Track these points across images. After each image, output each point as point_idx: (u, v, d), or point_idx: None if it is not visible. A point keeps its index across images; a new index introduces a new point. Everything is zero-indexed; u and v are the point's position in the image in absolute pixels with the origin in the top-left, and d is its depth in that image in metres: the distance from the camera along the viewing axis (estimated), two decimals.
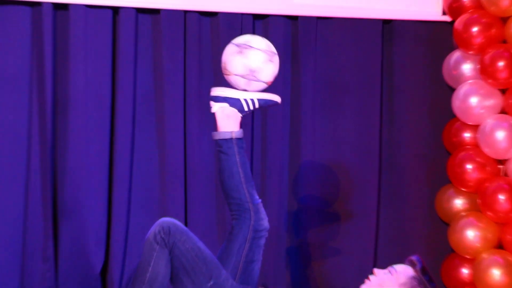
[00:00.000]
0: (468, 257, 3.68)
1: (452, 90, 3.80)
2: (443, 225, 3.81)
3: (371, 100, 3.78)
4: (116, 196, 3.53)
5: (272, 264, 3.62)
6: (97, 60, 3.52)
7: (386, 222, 3.76)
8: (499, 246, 3.64)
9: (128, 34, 3.55)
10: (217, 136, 2.44)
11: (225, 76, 2.44)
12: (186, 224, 3.50)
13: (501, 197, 3.55)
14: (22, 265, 3.46)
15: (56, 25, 3.48)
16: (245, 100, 2.45)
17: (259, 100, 2.45)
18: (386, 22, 3.83)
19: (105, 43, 3.54)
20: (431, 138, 3.84)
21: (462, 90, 3.72)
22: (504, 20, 3.65)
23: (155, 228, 2.44)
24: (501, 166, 3.68)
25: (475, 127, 3.70)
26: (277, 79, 3.41)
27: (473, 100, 3.66)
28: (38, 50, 3.44)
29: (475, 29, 3.64)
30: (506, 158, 3.64)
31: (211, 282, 2.48)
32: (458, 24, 3.72)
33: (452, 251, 3.76)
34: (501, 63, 3.57)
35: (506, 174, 3.66)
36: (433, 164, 3.84)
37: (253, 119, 3.68)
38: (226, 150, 2.42)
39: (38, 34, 3.44)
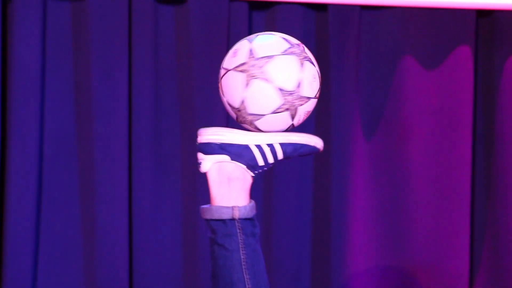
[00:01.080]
0: None
1: None
2: None
3: (457, 151, 2.53)
4: None
5: None
6: None
7: None
8: None
9: (28, 31, 2.35)
10: (208, 213, 1.60)
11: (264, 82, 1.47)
12: None
13: None
14: None
15: None
16: (259, 147, 1.62)
17: (283, 145, 1.60)
18: (483, 15, 2.57)
19: None
20: None
21: None
22: None
23: None
24: None
25: None
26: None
27: None
28: None
29: None
30: None
31: None
32: None
33: None
34: None
35: None
36: None
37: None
38: (223, 240, 1.61)
39: None
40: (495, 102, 2.53)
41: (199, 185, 2.42)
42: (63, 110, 2.38)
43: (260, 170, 1.61)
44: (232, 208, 1.61)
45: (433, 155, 2.49)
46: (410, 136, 2.50)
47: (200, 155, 1.58)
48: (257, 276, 1.67)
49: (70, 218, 2.38)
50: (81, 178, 2.38)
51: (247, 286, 1.64)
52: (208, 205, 1.58)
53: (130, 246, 2.39)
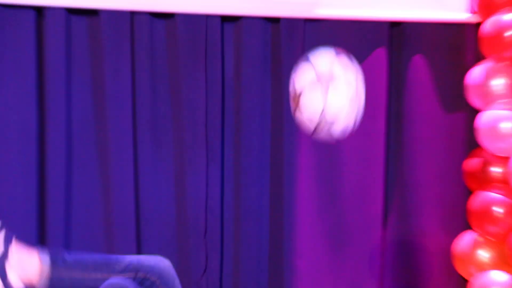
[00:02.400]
0: None
1: (477, 112, 3.29)
2: (462, 279, 3.39)
3: (374, 126, 3.25)
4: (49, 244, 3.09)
5: None
6: (16, 76, 2.97)
7: (397, 279, 3.34)
8: None
9: (57, 42, 3.01)
10: None
11: None
12: None
13: None
14: None
15: None
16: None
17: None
18: (394, 25, 3.27)
19: (26, 53, 2.97)
20: (449, 174, 3.39)
21: (490, 112, 3.18)
22: None
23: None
24: None
25: (506, 160, 3.15)
26: (254, 100, 3.13)
27: (505, 126, 3.11)
28: None
29: (509, 33, 3.08)
30: None
31: None
32: (487, 26, 3.16)
33: None
34: None
35: None
36: (451, 204, 3.40)
37: (223, 146, 3.17)
38: None
39: None
40: (403, 92, 3.23)
41: (186, 153, 3.06)
42: (84, 99, 3.00)
43: None
44: None
45: (356, 132, 3.20)
46: None
47: None
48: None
49: (89, 176, 3.02)
50: (99, 147, 3.01)
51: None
52: None
53: (137, 193, 3.03)
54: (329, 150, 3.17)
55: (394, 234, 3.36)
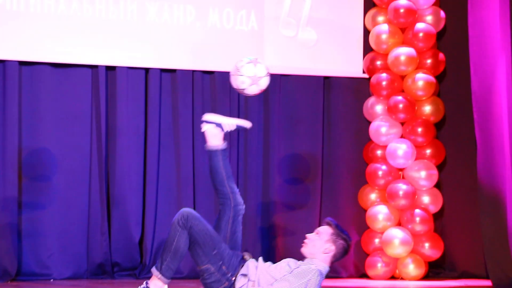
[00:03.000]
0: (378, 231, 5.39)
1: (369, 122, 5.45)
2: (363, 210, 5.46)
3: (316, 129, 5.46)
4: (148, 193, 5.16)
5: (251, 238, 5.33)
6: (135, 104, 5.21)
7: (327, 210, 5.39)
8: (399, 224, 5.34)
9: (155, 91, 5.24)
10: (207, 148, 3.40)
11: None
12: None
13: (400, 193, 5.29)
14: (88, 237, 5.08)
15: (108, 81, 5.12)
16: (225, 124, 3.34)
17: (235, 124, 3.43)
18: (326, 78, 5.52)
19: (139, 92, 5.20)
20: (356, 154, 5.48)
21: (375, 122, 5.44)
22: (402, 77, 5.39)
23: (178, 215, 3.15)
24: (401, 172, 5.49)
25: (384, 147, 5.38)
26: (254, 116, 5.18)
27: (383, 129, 5.36)
28: (96, 98, 5.13)
29: (384, 83, 5.35)
30: (404, 167, 5.37)
31: (215, 251, 3.28)
32: (373, 79, 5.42)
33: (368, 227, 5.44)
34: (400, 105, 5.30)
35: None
36: (357, 171, 5.49)
37: (238, 141, 5.38)
38: (213, 157, 3.35)
39: (96, 88, 5.13)
40: (331, 112, 5.28)
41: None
42: (168, 116, 5.11)
43: (225, 132, 3.21)
44: (217, 145, 3.39)
45: (309, 134, 5.23)
46: (296, 124, 5.29)
47: (203, 124, 3.24)
48: (227, 171, 3.19)
49: (169, 153, 5.03)
50: (175, 139, 5.03)
51: (223, 174, 3.25)
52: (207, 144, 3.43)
53: (193, 162, 5.06)
54: (290, 144, 5.32)
55: (327, 186, 5.44)
